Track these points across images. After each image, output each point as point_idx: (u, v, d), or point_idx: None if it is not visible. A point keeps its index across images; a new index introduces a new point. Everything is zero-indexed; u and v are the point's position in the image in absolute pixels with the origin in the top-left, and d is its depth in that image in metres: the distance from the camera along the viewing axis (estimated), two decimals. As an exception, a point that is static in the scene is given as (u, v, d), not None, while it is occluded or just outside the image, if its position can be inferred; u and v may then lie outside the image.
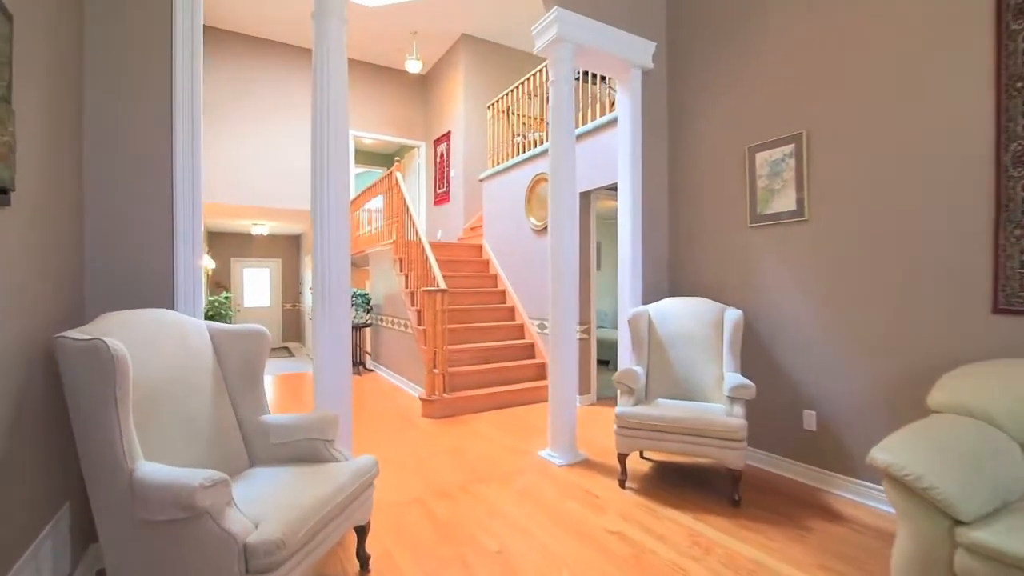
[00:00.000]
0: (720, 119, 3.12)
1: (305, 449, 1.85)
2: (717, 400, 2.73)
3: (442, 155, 7.63)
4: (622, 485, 2.61)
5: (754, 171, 2.90)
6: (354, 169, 7.75)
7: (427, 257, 4.54)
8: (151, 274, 2.03)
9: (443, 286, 4.19)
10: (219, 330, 1.92)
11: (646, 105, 3.35)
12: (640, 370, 2.82)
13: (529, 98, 5.24)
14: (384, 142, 8.73)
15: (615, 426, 2.61)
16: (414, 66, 6.85)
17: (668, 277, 3.48)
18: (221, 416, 1.79)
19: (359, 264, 7.51)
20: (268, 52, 6.97)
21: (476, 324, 4.94)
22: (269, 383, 5.55)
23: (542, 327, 4.83)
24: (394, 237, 5.44)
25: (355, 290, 6.02)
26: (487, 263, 5.82)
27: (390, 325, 5.62)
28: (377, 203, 6.43)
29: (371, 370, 6.15)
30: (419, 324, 4.67)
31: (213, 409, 1.77)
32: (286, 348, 10.85)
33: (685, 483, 2.64)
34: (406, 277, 5.11)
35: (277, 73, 7.03)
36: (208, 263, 7.39)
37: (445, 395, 4.08)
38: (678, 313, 3.02)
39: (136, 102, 2.01)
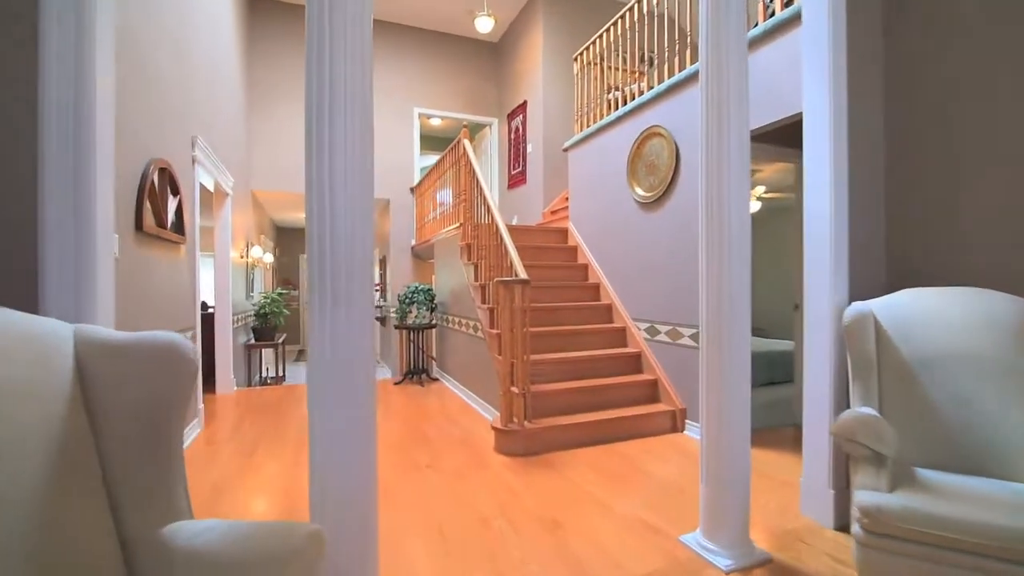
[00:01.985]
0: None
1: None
2: (1053, 483, 1.44)
3: (517, 130, 6.60)
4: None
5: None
6: (418, 156, 6.95)
7: (501, 239, 3.50)
8: None
9: (523, 275, 3.12)
10: (98, 345, 0.96)
11: (852, -20, 2.07)
12: (871, 413, 1.57)
13: (625, 40, 4.05)
14: (452, 123, 7.87)
15: (857, 529, 1.40)
16: (485, 24, 5.87)
17: (886, 260, 2.17)
18: (75, 528, 0.83)
19: (424, 256, 6.66)
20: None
21: (564, 327, 3.83)
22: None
23: (652, 332, 3.63)
24: (461, 220, 4.46)
25: (417, 285, 5.13)
26: (575, 250, 4.69)
27: (457, 327, 4.66)
28: (445, 194, 5.52)
29: (436, 379, 5.24)
30: (492, 327, 3.64)
31: (55, 512, 0.81)
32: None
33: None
34: (475, 267, 4.11)
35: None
36: (267, 257, 6.86)
37: (527, 424, 3.01)
38: (937, 316, 1.74)
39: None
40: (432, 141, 8.78)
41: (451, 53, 7.02)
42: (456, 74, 7.06)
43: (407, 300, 5.00)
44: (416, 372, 5.11)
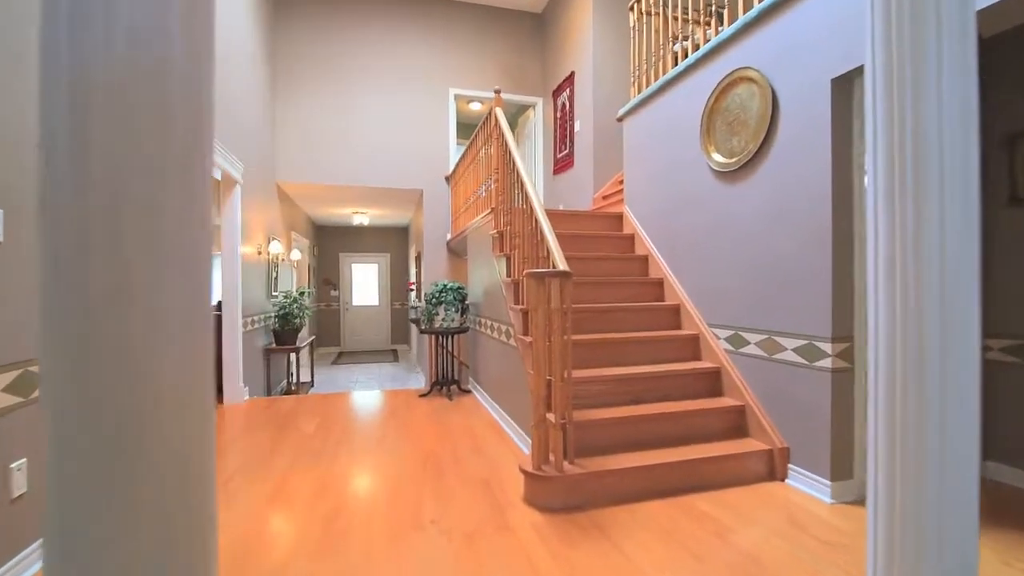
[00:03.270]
0: None
1: None
2: None
3: (563, 107, 5.81)
4: None
5: None
6: (455, 144, 6.33)
7: (537, 223, 2.74)
8: None
9: (563, 267, 2.35)
10: None
11: None
12: None
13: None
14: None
15: None
16: (526, -15, 5.14)
17: None
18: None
19: (459, 252, 6.01)
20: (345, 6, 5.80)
21: (617, 334, 3.02)
22: (369, 402, 4.22)
23: (736, 342, 2.75)
24: (493, 204, 3.74)
25: (445, 283, 4.46)
26: (631, 239, 3.85)
27: (488, 331, 3.94)
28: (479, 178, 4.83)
29: (468, 391, 4.55)
30: (524, 332, 2.89)
31: None
32: (394, 351, 9.92)
33: None
34: (508, 260, 3.37)
35: (357, 31, 5.85)
36: (294, 254, 6.45)
37: (568, 466, 2.23)
38: None
39: None
40: (472, 130, 8.13)
41: (489, 28, 6.35)
42: (495, 51, 6.37)
43: (434, 300, 4.34)
44: (446, 382, 4.43)
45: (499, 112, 3.66)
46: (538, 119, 6.48)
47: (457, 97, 6.33)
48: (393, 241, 10.29)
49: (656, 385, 2.76)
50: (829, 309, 2.21)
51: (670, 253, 3.39)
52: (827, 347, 2.22)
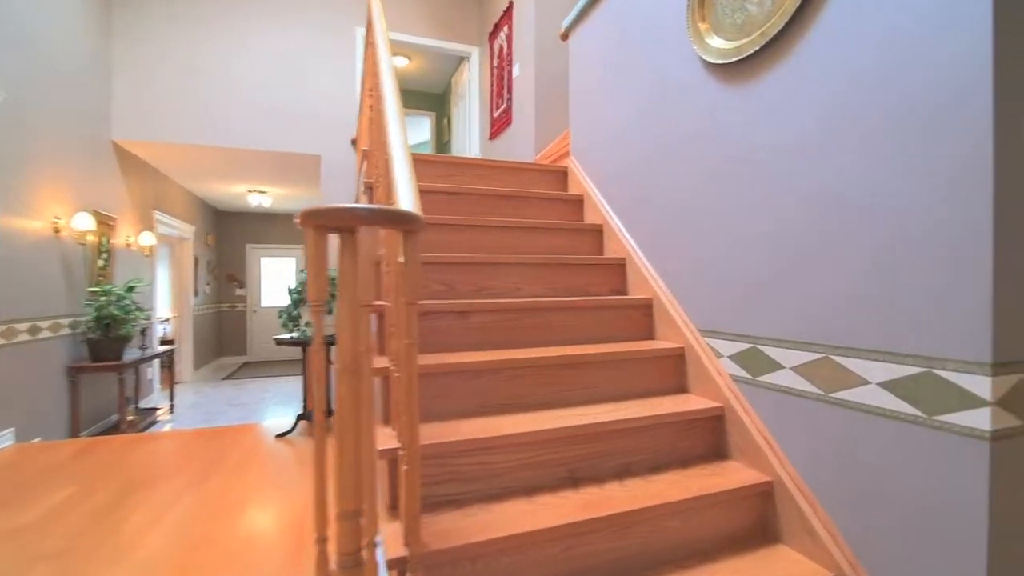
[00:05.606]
0: None
1: None
2: None
3: (500, 51, 4.55)
4: None
5: None
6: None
7: (389, 155, 1.43)
8: None
9: (409, 208, 1.05)
10: None
11: None
12: None
13: None
14: (426, 65, 5.87)
15: None
16: None
17: None
18: None
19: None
20: None
21: (550, 351, 1.75)
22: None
23: (752, 363, 1.52)
24: (365, 145, 2.42)
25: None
26: (579, 203, 2.60)
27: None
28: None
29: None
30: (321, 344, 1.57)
31: None
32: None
33: None
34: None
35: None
36: (144, 239, 4.93)
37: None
38: None
39: None
40: (403, 95, 6.76)
41: (413, -45, 5.04)
42: (422, -12, 5.07)
43: (297, 296, 2.97)
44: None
45: (372, 3, 2.33)
46: (473, 75, 5.20)
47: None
48: (315, 232, 8.77)
49: (612, 447, 1.50)
50: (983, 304, 1.00)
51: (639, 220, 2.15)
52: (975, 383, 1.01)
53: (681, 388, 1.80)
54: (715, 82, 1.69)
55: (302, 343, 2.91)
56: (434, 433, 1.35)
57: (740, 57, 1.56)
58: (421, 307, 1.69)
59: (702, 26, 1.72)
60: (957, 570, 1.04)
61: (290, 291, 3.01)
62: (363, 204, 1.42)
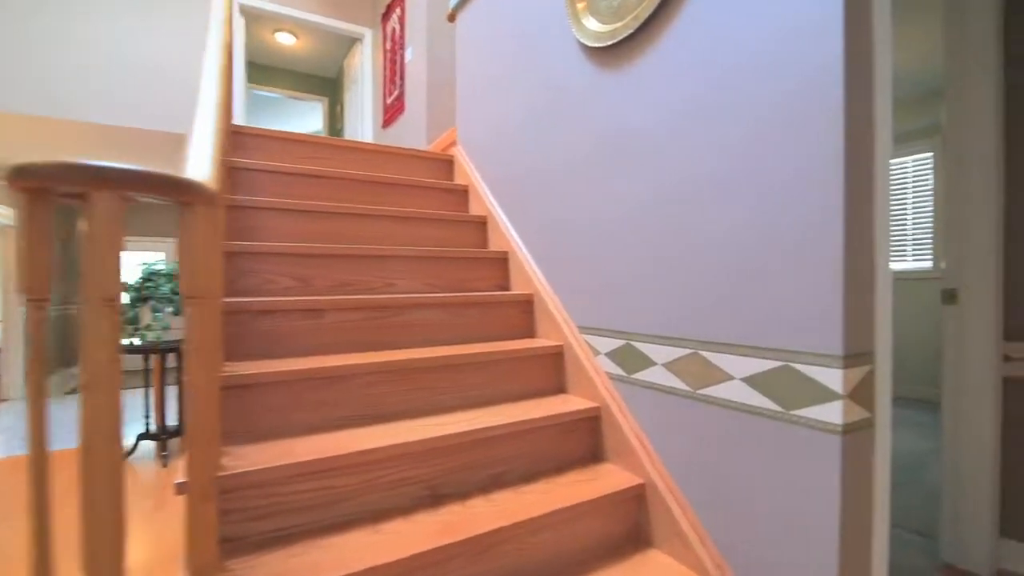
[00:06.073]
0: None
1: None
2: None
3: (393, 34, 4.28)
4: None
5: None
6: (245, 85, 4.47)
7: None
8: None
9: (199, 176, 0.82)
10: None
11: None
12: None
13: None
14: (319, 45, 5.41)
15: None
16: None
17: None
18: None
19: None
20: None
21: (415, 352, 1.57)
22: None
23: (629, 360, 1.46)
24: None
25: (157, 264, 2.64)
26: (464, 193, 2.44)
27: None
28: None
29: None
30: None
31: None
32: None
33: None
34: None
35: None
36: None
37: None
38: None
39: None
40: (282, 76, 6.20)
41: (296, -79, 4.59)
42: (307, -43, 4.64)
43: (136, 293, 2.51)
44: (164, 435, 2.61)
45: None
46: (366, 58, 4.86)
47: (249, 12, 4.45)
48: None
49: (480, 457, 1.35)
50: (834, 295, 0.98)
51: (521, 212, 2.04)
52: (829, 376, 0.99)
53: (560, 388, 1.71)
54: (592, 66, 1.61)
55: (143, 350, 2.46)
56: (261, 456, 1.12)
57: (615, 40, 1.49)
58: (261, 305, 1.43)
59: (579, 5, 1.63)
60: (814, 564, 1.02)
61: (129, 287, 2.54)
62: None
